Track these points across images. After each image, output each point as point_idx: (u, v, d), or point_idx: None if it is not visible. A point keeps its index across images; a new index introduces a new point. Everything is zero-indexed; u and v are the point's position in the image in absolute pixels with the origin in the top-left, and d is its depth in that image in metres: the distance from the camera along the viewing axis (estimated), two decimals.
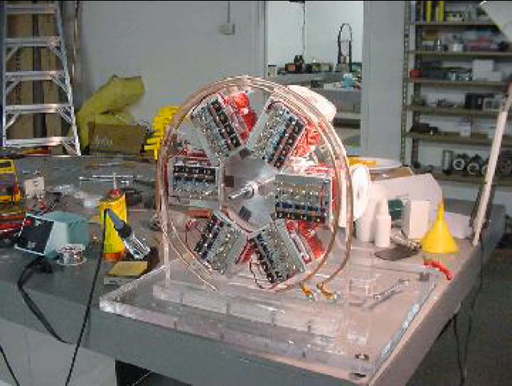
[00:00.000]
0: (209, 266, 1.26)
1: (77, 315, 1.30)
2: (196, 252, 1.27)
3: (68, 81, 5.95)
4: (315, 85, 8.20)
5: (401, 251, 1.60)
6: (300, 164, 1.13)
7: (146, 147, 2.21)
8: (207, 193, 1.22)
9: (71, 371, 1.36)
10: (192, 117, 1.21)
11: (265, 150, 1.14)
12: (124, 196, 1.65)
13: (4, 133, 5.80)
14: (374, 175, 1.96)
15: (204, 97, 1.19)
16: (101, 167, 2.76)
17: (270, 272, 1.18)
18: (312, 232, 1.18)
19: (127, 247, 1.47)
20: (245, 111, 1.20)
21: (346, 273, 1.11)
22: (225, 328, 1.16)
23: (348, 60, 9.28)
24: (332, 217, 1.08)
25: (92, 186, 2.40)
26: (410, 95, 4.88)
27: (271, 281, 1.19)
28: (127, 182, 2.45)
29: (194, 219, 1.44)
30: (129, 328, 1.25)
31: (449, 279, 1.42)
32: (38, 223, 1.60)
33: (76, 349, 1.32)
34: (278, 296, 1.21)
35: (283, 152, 1.12)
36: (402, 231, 1.74)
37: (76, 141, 5.92)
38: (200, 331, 1.17)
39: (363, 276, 1.30)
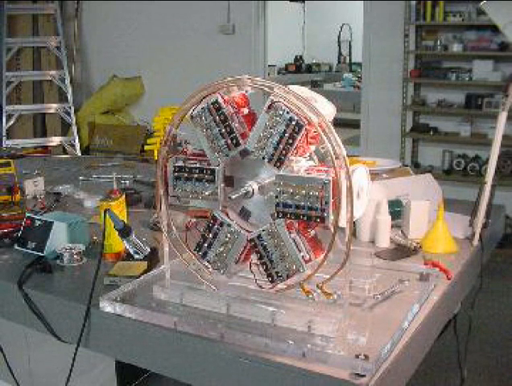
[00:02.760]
0: (209, 266, 1.25)
1: (77, 315, 1.30)
2: (196, 252, 1.27)
3: (68, 81, 5.95)
4: (315, 85, 8.20)
5: (401, 251, 1.60)
6: (300, 164, 1.13)
7: (146, 147, 2.21)
8: (207, 193, 1.22)
9: (71, 371, 1.36)
10: (192, 116, 1.21)
11: (265, 150, 1.14)
12: (124, 196, 1.65)
13: (4, 133, 5.81)
14: (374, 175, 1.96)
15: (204, 97, 1.19)
16: (101, 167, 2.76)
17: (270, 272, 1.18)
18: (312, 232, 1.18)
19: (127, 247, 1.47)
20: (245, 111, 1.20)
21: (346, 273, 1.11)
22: (225, 328, 1.16)
23: (348, 60, 9.28)
24: (332, 217, 1.08)
25: (92, 186, 2.40)
26: (410, 95, 4.88)
27: (271, 281, 1.19)
28: (127, 182, 2.45)
29: (194, 219, 1.44)
30: (129, 328, 1.25)
31: (449, 279, 1.42)
32: (38, 223, 1.60)
33: (76, 349, 1.32)
34: (278, 296, 1.21)
35: (283, 152, 1.12)
36: (402, 231, 1.74)
37: (76, 141, 5.93)
38: (200, 331, 1.17)
39: (363, 276, 1.30)
